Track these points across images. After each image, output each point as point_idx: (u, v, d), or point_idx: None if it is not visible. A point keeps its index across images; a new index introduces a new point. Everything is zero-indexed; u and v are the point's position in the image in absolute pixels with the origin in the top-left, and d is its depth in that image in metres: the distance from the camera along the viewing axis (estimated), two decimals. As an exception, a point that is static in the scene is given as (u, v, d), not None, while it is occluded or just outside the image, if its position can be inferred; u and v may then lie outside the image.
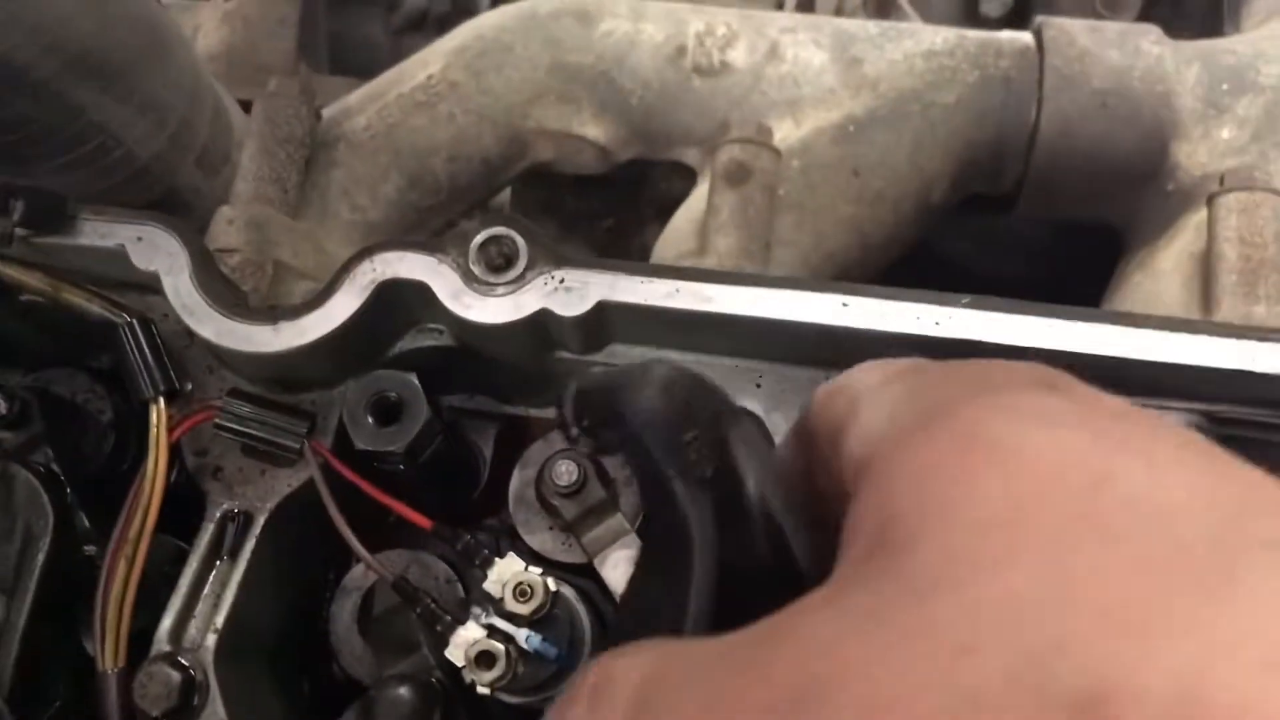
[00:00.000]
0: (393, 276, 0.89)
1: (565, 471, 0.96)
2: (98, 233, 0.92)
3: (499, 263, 0.90)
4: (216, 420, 0.92)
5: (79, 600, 0.94)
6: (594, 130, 1.28)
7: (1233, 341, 0.86)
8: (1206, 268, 1.11)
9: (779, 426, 0.94)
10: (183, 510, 0.95)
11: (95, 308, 0.94)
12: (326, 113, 1.25)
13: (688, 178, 1.34)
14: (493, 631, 0.85)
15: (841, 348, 0.91)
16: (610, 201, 1.48)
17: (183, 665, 0.87)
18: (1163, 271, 1.18)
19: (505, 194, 1.50)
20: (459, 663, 0.83)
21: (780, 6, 1.64)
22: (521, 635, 0.84)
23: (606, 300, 0.89)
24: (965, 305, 0.88)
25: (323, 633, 1.00)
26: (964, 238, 1.44)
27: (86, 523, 0.97)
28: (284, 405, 0.94)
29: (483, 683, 0.83)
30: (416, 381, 0.92)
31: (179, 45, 1.15)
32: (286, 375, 0.95)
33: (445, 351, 0.97)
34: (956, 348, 0.87)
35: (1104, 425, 0.42)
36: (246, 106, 1.26)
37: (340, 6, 1.72)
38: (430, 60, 1.28)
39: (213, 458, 0.95)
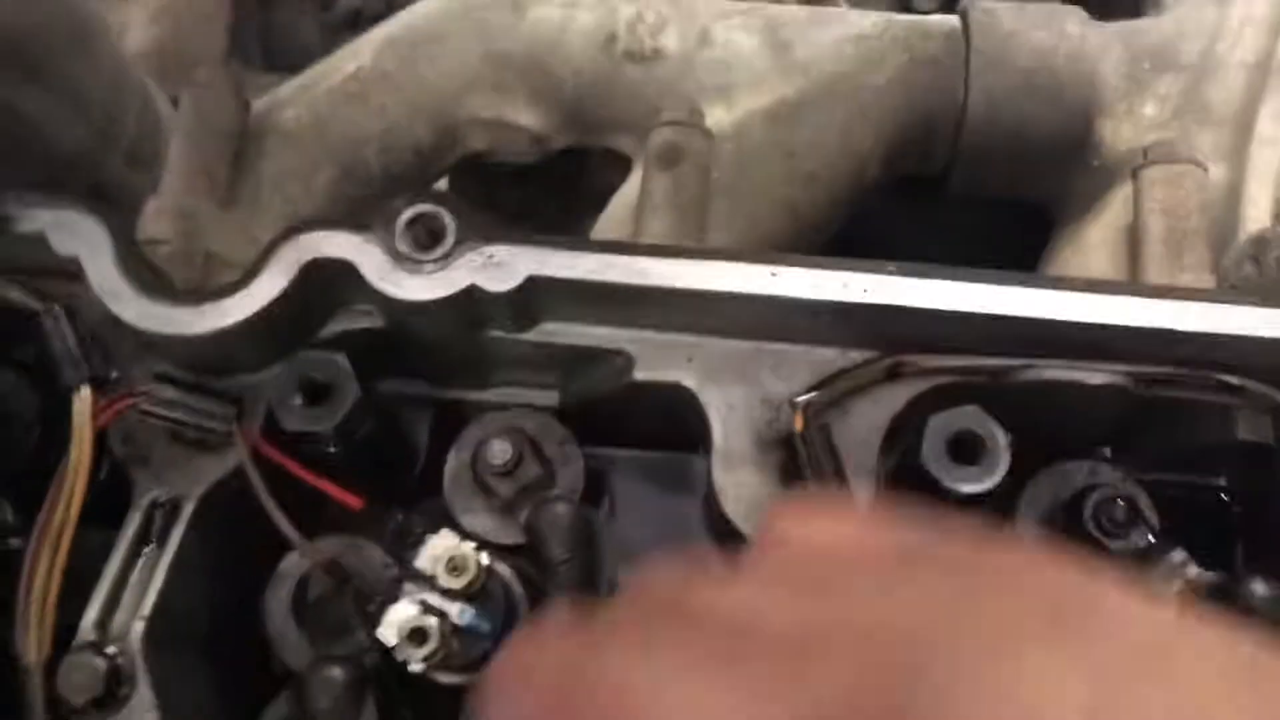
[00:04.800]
0: (318, 256, 0.89)
1: (500, 451, 0.96)
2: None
3: (426, 240, 0.89)
4: (142, 406, 0.90)
5: (3, 594, 0.92)
6: (527, 118, 1.28)
7: (1158, 302, 0.88)
8: (1133, 240, 1.13)
9: (712, 400, 0.95)
10: (114, 499, 0.93)
11: (15, 294, 0.92)
12: (256, 105, 1.23)
13: (625, 169, 1.34)
14: (426, 608, 0.84)
15: (772, 318, 0.92)
16: (548, 192, 1.48)
17: (108, 655, 0.85)
18: (1091, 245, 1.20)
19: (443, 181, 1.50)
20: (391, 641, 0.82)
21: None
22: (454, 610, 0.83)
23: (536, 275, 0.89)
24: (892, 272, 0.88)
25: (259, 621, 0.98)
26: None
27: (10, 516, 0.95)
28: (211, 390, 0.92)
29: (415, 660, 0.82)
30: (345, 361, 0.91)
31: (101, 34, 1.14)
32: (214, 359, 0.93)
33: (376, 333, 0.96)
34: (884, 313, 0.88)
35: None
36: (178, 104, 1.25)
37: (272, 4, 1.70)
38: (361, 50, 1.27)
39: (139, 445, 0.93)
